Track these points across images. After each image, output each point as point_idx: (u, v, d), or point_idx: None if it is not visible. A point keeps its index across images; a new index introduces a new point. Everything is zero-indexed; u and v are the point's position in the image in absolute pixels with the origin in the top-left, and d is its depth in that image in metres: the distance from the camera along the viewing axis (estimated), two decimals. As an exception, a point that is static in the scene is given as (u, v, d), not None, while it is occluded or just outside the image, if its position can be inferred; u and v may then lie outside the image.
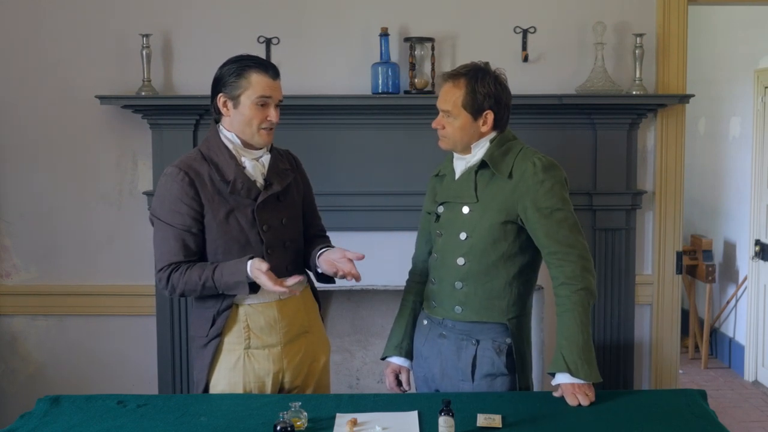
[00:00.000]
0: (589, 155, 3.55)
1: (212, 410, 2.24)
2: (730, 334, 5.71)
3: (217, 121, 2.43)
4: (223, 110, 2.38)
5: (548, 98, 3.45)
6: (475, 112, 2.38)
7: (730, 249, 5.71)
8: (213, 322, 2.38)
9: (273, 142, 2.47)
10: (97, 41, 3.57)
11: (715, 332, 5.88)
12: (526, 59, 3.54)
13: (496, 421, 2.14)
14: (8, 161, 3.65)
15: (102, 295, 3.67)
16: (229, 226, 2.35)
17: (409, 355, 2.63)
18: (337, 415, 2.19)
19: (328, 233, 2.67)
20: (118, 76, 3.56)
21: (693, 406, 2.28)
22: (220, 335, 2.39)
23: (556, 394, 2.33)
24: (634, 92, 3.50)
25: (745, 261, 5.42)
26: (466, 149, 2.44)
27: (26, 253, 3.68)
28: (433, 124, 2.45)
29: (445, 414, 2.04)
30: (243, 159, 2.39)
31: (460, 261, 2.41)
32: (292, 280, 2.28)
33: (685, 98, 3.51)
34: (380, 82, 3.48)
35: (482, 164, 2.41)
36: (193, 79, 3.56)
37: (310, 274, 2.59)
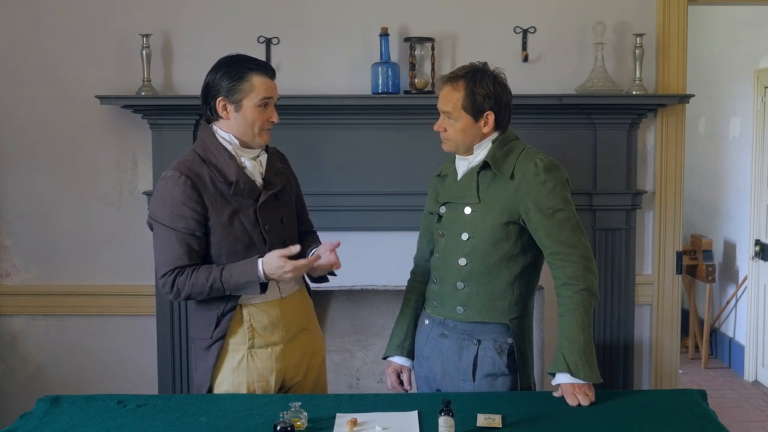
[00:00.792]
0: (589, 155, 3.55)
1: (212, 410, 2.24)
2: (730, 334, 5.71)
3: (209, 121, 2.43)
4: (222, 113, 2.37)
5: (548, 98, 3.45)
6: (476, 113, 2.38)
7: (730, 249, 5.71)
8: (217, 324, 2.38)
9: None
10: (97, 41, 3.57)
11: (715, 332, 5.88)
12: (526, 59, 3.54)
13: (496, 421, 2.14)
14: (8, 161, 3.65)
15: (102, 295, 3.67)
16: (233, 228, 2.35)
17: (410, 354, 2.63)
18: (337, 415, 2.19)
19: (328, 233, 2.69)
20: (118, 76, 3.56)
21: (693, 406, 2.28)
22: (224, 337, 2.39)
23: (556, 394, 2.33)
24: (634, 92, 3.50)
25: (745, 261, 5.42)
26: (469, 150, 2.44)
27: (26, 253, 3.68)
28: (435, 127, 2.45)
29: (445, 414, 2.04)
30: (242, 159, 2.39)
31: (462, 261, 2.41)
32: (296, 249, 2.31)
33: (685, 98, 3.51)
34: (380, 82, 3.48)
35: (484, 165, 2.41)
36: (193, 79, 3.54)
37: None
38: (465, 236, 2.41)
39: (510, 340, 2.42)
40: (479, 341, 2.42)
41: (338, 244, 2.41)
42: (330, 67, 3.57)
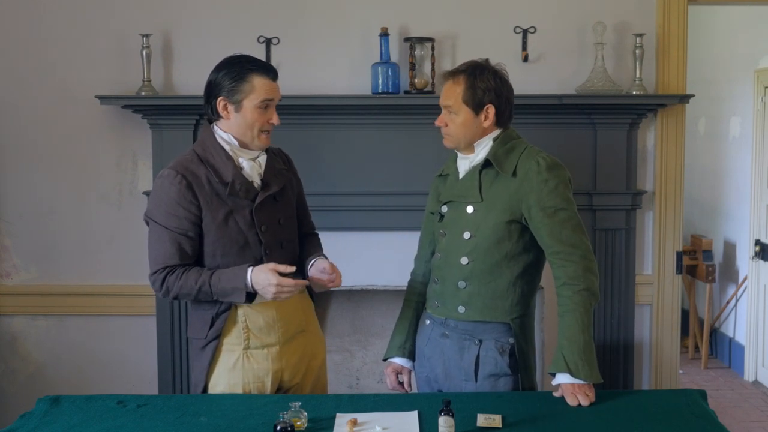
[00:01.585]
0: (589, 155, 3.55)
1: (212, 410, 2.24)
2: (730, 334, 5.71)
3: (211, 122, 2.42)
4: (222, 113, 2.36)
5: (548, 98, 3.45)
6: (476, 106, 2.38)
7: (730, 249, 5.71)
8: (212, 324, 2.38)
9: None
10: (97, 41, 3.58)
11: (715, 332, 5.88)
12: (526, 59, 3.55)
13: (496, 421, 2.14)
14: (8, 161, 3.65)
15: (102, 295, 3.67)
16: (228, 228, 2.34)
17: (411, 355, 2.62)
18: (337, 415, 2.19)
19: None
20: (118, 76, 3.56)
21: (693, 406, 2.28)
22: (218, 337, 2.39)
23: (556, 394, 2.33)
24: (634, 92, 3.50)
25: (745, 261, 5.42)
26: (470, 147, 2.44)
27: (26, 253, 3.68)
28: (437, 122, 2.45)
29: (445, 414, 2.03)
30: (240, 160, 2.38)
31: (464, 260, 2.41)
32: (289, 271, 2.29)
33: (685, 98, 3.51)
34: (380, 82, 3.48)
35: (486, 163, 2.41)
36: (193, 79, 3.56)
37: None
38: (467, 235, 2.41)
39: (511, 340, 2.42)
40: (480, 341, 2.42)
41: (333, 274, 2.41)
42: (330, 67, 3.57)
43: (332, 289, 2.49)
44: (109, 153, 3.64)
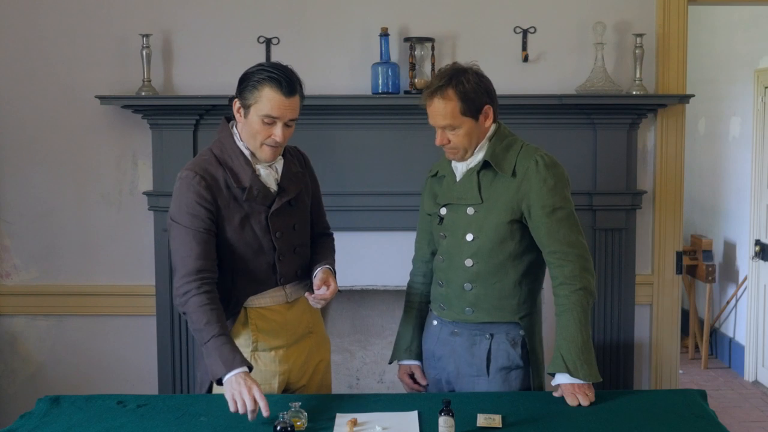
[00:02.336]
0: (589, 155, 3.55)
1: (212, 410, 2.24)
2: (730, 334, 5.71)
3: (229, 120, 2.39)
4: (236, 115, 2.33)
5: (548, 98, 3.45)
6: (476, 112, 2.35)
7: (730, 249, 5.71)
8: None
9: None
10: (97, 41, 3.58)
11: (715, 332, 5.88)
12: (526, 59, 3.55)
13: (496, 421, 2.14)
14: (8, 161, 3.65)
15: (102, 295, 3.67)
16: (243, 233, 2.33)
17: (418, 357, 2.62)
18: (337, 415, 2.19)
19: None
20: (118, 76, 3.56)
21: (693, 406, 2.28)
22: None
23: (556, 394, 2.33)
24: (634, 92, 3.50)
25: (745, 261, 5.42)
26: (475, 152, 2.42)
27: (26, 253, 3.68)
28: (438, 143, 2.39)
29: (445, 414, 2.04)
30: (258, 165, 2.34)
31: (468, 262, 2.41)
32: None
33: (685, 98, 3.51)
34: (380, 82, 3.48)
35: (484, 164, 2.40)
36: (193, 79, 3.57)
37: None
38: (470, 237, 2.40)
39: (522, 332, 2.42)
40: (492, 335, 2.42)
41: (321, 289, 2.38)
42: (330, 67, 3.57)
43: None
44: (109, 153, 3.64)
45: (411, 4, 3.57)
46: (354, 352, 3.99)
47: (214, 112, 3.46)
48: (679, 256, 3.71)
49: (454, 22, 3.56)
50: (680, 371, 4.06)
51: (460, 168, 2.46)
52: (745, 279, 5.43)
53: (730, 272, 5.71)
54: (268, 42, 3.54)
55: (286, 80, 2.27)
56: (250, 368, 2.19)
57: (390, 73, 3.48)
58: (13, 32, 3.59)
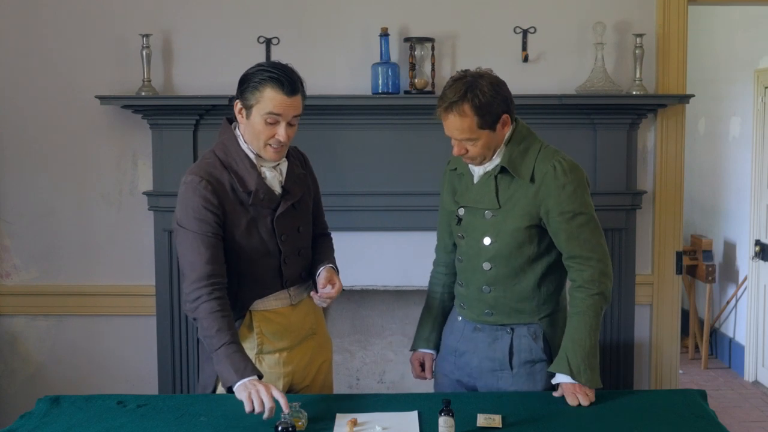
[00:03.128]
0: (589, 155, 3.55)
1: (212, 410, 2.24)
2: (730, 334, 5.71)
3: (231, 121, 2.39)
4: (238, 117, 2.32)
5: (548, 98, 3.45)
6: (493, 123, 2.31)
7: (730, 249, 5.71)
8: None
9: None
10: (97, 41, 3.58)
11: (715, 332, 5.88)
12: (526, 59, 3.54)
13: (496, 421, 2.14)
14: (8, 161, 3.65)
15: (102, 295, 3.67)
16: (251, 237, 2.32)
17: (436, 347, 2.63)
18: (337, 415, 2.19)
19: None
20: (118, 76, 3.56)
21: (693, 406, 2.28)
22: None
23: (556, 394, 2.33)
24: (634, 92, 3.50)
25: (745, 261, 5.41)
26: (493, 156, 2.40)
27: (26, 253, 3.68)
28: (456, 153, 2.36)
29: (445, 414, 2.04)
30: (263, 168, 2.33)
31: (486, 266, 2.40)
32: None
33: (685, 98, 3.51)
34: (380, 82, 3.48)
35: (501, 169, 2.37)
36: (193, 79, 3.56)
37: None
38: (487, 241, 2.39)
39: (543, 327, 2.42)
40: (513, 329, 2.41)
41: (326, 290, 2.37)
42: (330, 67, 3.57)
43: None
44: (109, 153, 3.64)
45: (411, 4, 3.57)
46: (354, 352, 4.00)
47: (214, 112, 3.46)
48: (679, 256, 3.71)
49: (454, 22, 3.56)
50: (680, 371, 4.06)
51: (477, 171, 2.43)
52: (745, 279, 5.43)
53: (730, 272, 5.71)
54: (268, 42, 3.53)
55: (288, 79, 2.26)
56: (260, 377, 2.18)
57: (390, 73, 3.48)
58: (13, 32, 3.59)
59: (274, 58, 3.50)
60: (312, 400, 2.30)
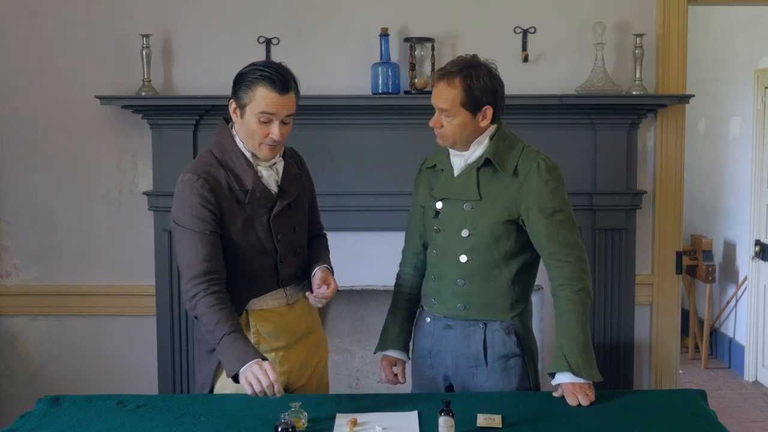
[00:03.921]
0: (589, 155, 3.55)
1: (212, 410, 2.24)
2: (730, 334, 5.71)
3: (227, 121, 2.40)
4: (233, 116, 2.33)
5: (548, 98, 3.45)
6: (474, 109, 2.36)
7: (730, 249, 5.71)
8: None
9: None
10: (97, 41, 3.58)
11: (715, 332, 5.88)
12: (526, 59, 3.55)
13: (496, 421, 2.14)
14: (8, 161, 3.65)
15: (102, 295, 3.67)
16: (247, 235, 2.33)
17: (405, 348, 2.62)
18: (337, 415, 2.19)
19: (329, 234, 2.67)
20: (118, 76, 3.56)
21: (693, 406, 2.28)
22: None
23: (556, 394, 2.33)
24: (634, 92, 3.50)
25: (745, 261, 5.42)
26: (465, 145, 2.43)
27: (26, 253, 3.68)
28: (431, 123, 2.42)
29: (445, 414, 2.04)
30: (259, 167, 2.34)
31: (463, 258, 2.41)
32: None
33: (685, 98, 3.51)
34: (380, 82, 3.48)
35: (485, 161, 2.40)
36: (193, 79, 3.56)
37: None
38: (465, 233, 2.40)
39: (514, 323, 2.43)
40: (485, 324, 2.42)
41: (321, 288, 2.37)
42: (330, 67, 3.57)
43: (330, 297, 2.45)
44: (109, 153, 3.64)
45: (411, 4, 3.57)
46: (354, 352, 3.99)
47: (214, 112, 3.46)
48: (679, 256, 3.71)
49: (454, 22, 3.56)
50: (680, 371, 4.06)
51: (458, 163, 2.45)
52: (745, 279, 5.43)
53: (730, 272, 5.71)
54: (268, 42, 3.54)
55: (279, 78, 2.26)
56: (264, 359, 2.16)
57: (390, 74, 3.48)
58: (13, 32, 3.59)
59: (274, 58, 3.50)
60: (312, 400, 2.30)
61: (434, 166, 2.55)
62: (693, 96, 3.53)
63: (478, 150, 2.42)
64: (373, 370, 3.99)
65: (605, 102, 3.45)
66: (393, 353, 2.64)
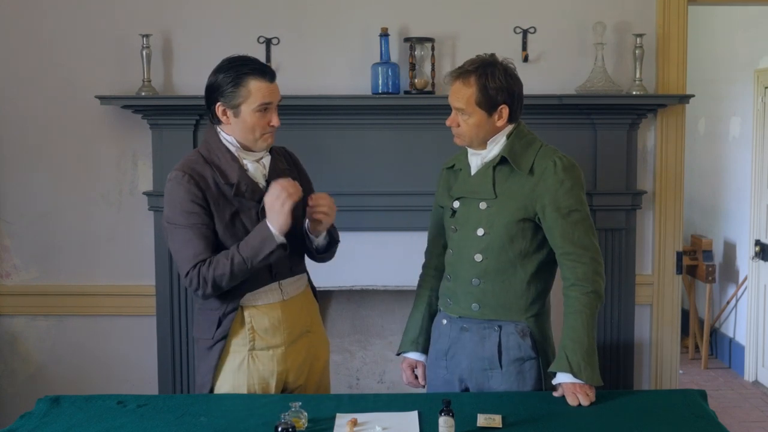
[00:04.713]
0: (589, 155, 3.55)
1: (212, 410, 2.24)
2: (730, 334, 5.71)
3: (214, 123, 2.42)
4: (222, 118, 2.36)
5: (548, 98, 3.45)
6: (490, 108, 2.35)
7: (730, 249, 5.71)
8: (219, 324, 2.38)
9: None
10: (97, 41, 3.58)
11: (715, 332, 5.88)
12: (526, 59, 3.55)
13: (496, 421, 2.14)
14: (8, 161, 3.65)
15: (102, 295, 3.67)
16: (234, 228, 2.34)
17: (425, 350, 2.61)
18: (337, 415, 2.19)
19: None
20: (118, 76, 3.56)
21: (693, 406, 2.28)
22: (225, 337, 2.38)
23: (556, 394, 2.33)
24: (634, 92, 3.50)
25: (745, 261, 5.41)
26: (482, 144, 2.42)
27: (26, 253, 3.68)
28: (448, 122, 2.41)
29: (445, 414, 2.03)
30: (245, 161, 2.38)
31: (478, 257, 2.40)
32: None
33: (685, 98, 3.51)
34: (380, 82, 3.48)
35: (501, 160, 2.39)
36: (193, 79, 3.56)
37: (308, 271, 2.59)
38: (480, 232, 2.39)
39: (530, 326, 2.41)
40: (500, 326, 2.40)
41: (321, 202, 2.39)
42: (330, 67, 3.57)
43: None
44: (109, 153, 3.64)
45: (411, 4, 3.57)
46: (354, 352, 3.99)
47: (214, 112, 3.46)
48: (679, 256, 3.71)
49: (454, 22, 3.56)
50: (680, 371, 4.06)
51: (475, 162, 2.45)
52: (745, 279, 5.43)
53: (730, 272, 5.71)
54: (268, 42, 3.54)
55: (265, 68, 2.38)
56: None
57: (390, 74, 3.48)
58: (13, 32, 3.59)
59: (274, 58, 3.51)
60: (312, 400, 2.30)
61: (453, 166, 2.55)
62: (693, 96, 3.53)
63: (494, 149, 2.41)
64: (373, 370, 3.99)
65: (605, 102, 3.45)
66: (412, 355, 2.63)
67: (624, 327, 3.64)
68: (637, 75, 3.50)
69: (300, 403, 2.13)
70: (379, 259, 3.59)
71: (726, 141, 5.74)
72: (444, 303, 2.52)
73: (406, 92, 3.53)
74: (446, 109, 2.43)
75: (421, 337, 2.61)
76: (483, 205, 2.40)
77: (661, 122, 3.64)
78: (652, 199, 3.67)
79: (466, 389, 2.49)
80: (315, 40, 3.57)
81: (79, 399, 2.35)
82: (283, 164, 2.49)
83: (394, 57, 3.53)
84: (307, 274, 2.59)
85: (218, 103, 2.35)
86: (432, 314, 2.62)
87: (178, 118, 3.48)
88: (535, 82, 3.53)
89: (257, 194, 2.37)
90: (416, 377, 2.64)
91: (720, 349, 5.83)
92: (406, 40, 3.51)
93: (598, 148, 3.55)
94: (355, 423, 2.12)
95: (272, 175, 2.41)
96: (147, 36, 3.44)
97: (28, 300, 3.69)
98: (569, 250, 2.34)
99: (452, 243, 2.48)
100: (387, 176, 3.56)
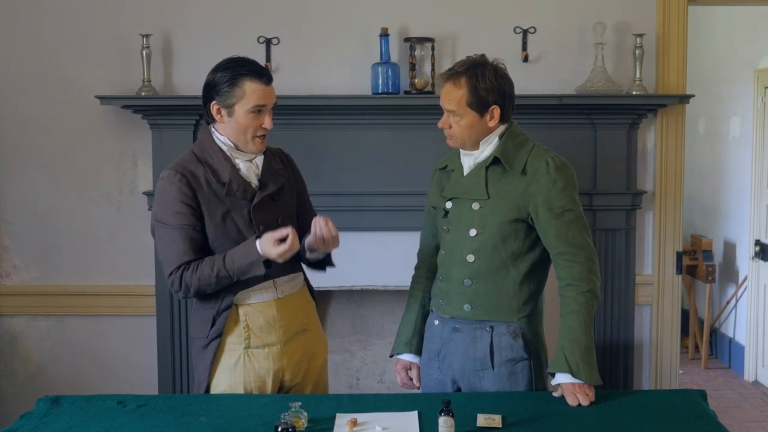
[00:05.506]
0: (589, 155, 3.55)
1: (212, 410, 2.24)
2: (730, 334, 5.71)
3: (209, 123, 2.44)
4: (216, 117, 2.38)
5: (548, 98, 3.45)
6: (481, 109, 2.36)
7: (730, 249, 5.71)
8: (213, 323, 2.39)
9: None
10: (97, 41, 3.58)
11: (715, 332, 5.88)
12: (526, 59, 3.55)
13: (496, 421, 2.14)
14: (8, 161, 3.65)
15: (102, 295, 3.67)
16: (226, 228, 2.35)
17: (418, 351, 2.61)
18: (337, 415, 2.19)
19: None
20: (118, 76, 3.56)
21: (693, 406, 2.28)
22: (220, 336, 2.39)
23: (556, 394, 2.33)
24: (634, 92, 3.50)
25: (745, 261, 5.41)
26: (475, 145, 2.42)
27: (26, 253, 3.68)
28: (439, 124, 2.42)
29: (445, 414, 2.04)
30: (237, 161, 2.39)
31: (470, 258, 2.40)
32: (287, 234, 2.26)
33: (685, 98, 3.51)
34: (380, 82, 3.48)
35: (494, 160, 2.39)
36: (193, 79, 3.54)
37: (305, 269, 2.60)
38: (473, 232, 2.39)
39: (521, 327, 2.41)
40: (492, 327, 2.40)
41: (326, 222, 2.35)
42: (330, 67, 3.57)
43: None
44: (109, 153, 3.64)
45: (411, 4, 3.57)
46: (354, 352, 3.99)
47: (214, 112, 3.46)
48: (679, 256, 3.71)
49: (454, 22, 3.56)
50: (680, 371, 4.06)
51: (467, 162, 2.45)
52: (745, 279, 5.43)
53: (730, 272, 5.71)
54: (268, 42, 3.54)
55: (262, 70, 2.39)
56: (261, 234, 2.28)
57: (390, 74, 3.48)
58: (13, 32, 3.59)
59: (274, 58, 3.52)
60: (312, 400, 2.30)
61: (446, 167, 2.55)
62: (693, 96, 3.53)
63: (487, 149, 2.41)
64: (373, 370, 3.99)
65: (605, 102, 3.45)
66: (406, 357, 2.63)
67: (624, 327, 3.64)
68: (637, 75, 3.50)
69: (300, 403, 2.13)
70: (379, 259, 3.60)
71: (726, 141, 5.74)
72: (436, 304, 2.53)
73: (406, 92, 3.53)
74: (446, 109, 2.44)
75: (415, 338, 2.61)
76: (476, 206, 2.40)
77: (661, 122, 3.64)
78: (652, 199, 3.67)
79: (459, 390, 2.49)
80: (315, 41, 3.57)
81: (79, 399, 2.35)
82: (278, 164, 2.49)
83: (394, 57, 3.53)
84: (304, 273, 2.59)
85: (213, 102, 2.37)
86: (425, 315, 2.62)
87: (178, 118, 3.48)
88: (535, 82, 3.54)
89: (249, 193, 2.38)
90: (411, 379, 2.64)
91: (720, 349, 5.83)
92: (406, 40, 3.51)
93: (598, 148, 3.55)
94: (355, 423, 2.12)
95: (265, 175, 2.42)
96: (147, 36, 3.44)
97: (28, 300, 3.69)
98: (564, 250, 2.34)
99: (444, 244, 2.49)
100: (387, 176, 3.56)
